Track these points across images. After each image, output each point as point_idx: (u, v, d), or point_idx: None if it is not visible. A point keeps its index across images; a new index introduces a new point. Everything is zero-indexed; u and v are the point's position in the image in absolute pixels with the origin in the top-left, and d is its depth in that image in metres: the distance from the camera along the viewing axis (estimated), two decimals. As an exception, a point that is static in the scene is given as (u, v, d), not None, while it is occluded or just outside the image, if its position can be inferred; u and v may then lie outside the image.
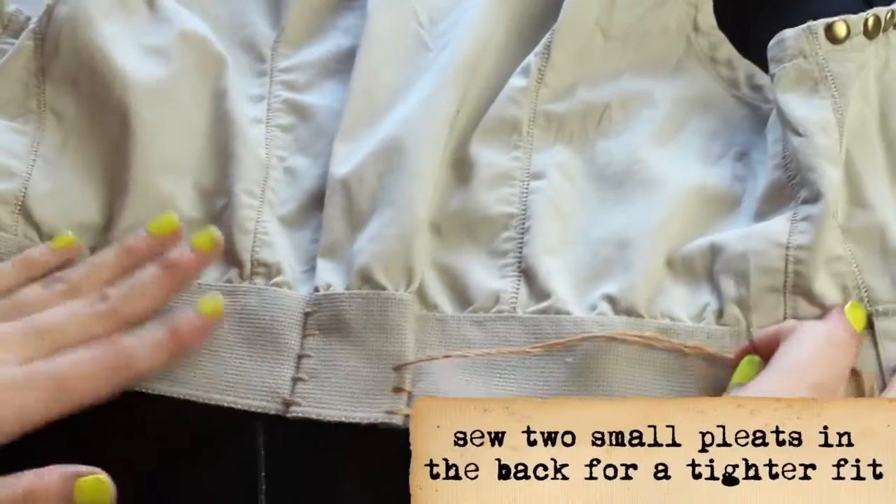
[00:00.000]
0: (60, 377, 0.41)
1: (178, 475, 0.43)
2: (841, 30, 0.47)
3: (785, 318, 0.44)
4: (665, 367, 0.44)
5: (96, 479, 0.40)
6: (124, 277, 0.45)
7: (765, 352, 0.42)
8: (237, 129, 0.50)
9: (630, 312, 0.45)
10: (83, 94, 0.51)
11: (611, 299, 0.45)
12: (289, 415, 0.44)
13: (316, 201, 0.50)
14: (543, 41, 0.52)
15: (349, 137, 0.50)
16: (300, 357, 0.45)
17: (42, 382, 0.40)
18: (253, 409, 0.44)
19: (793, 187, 0.46)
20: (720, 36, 0.53)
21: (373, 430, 0.43)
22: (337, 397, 0.44)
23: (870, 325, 0.44)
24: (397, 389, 0.44)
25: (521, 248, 0.47)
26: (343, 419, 0.43)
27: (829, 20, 0.47)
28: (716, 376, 0.44)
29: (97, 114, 0.50)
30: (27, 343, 0.42)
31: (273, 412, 0.44)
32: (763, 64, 0.51)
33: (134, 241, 0.46)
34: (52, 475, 0.40)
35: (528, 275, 0.47)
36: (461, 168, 0.50)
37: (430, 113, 0.49)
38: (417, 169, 0.48)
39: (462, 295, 0.47)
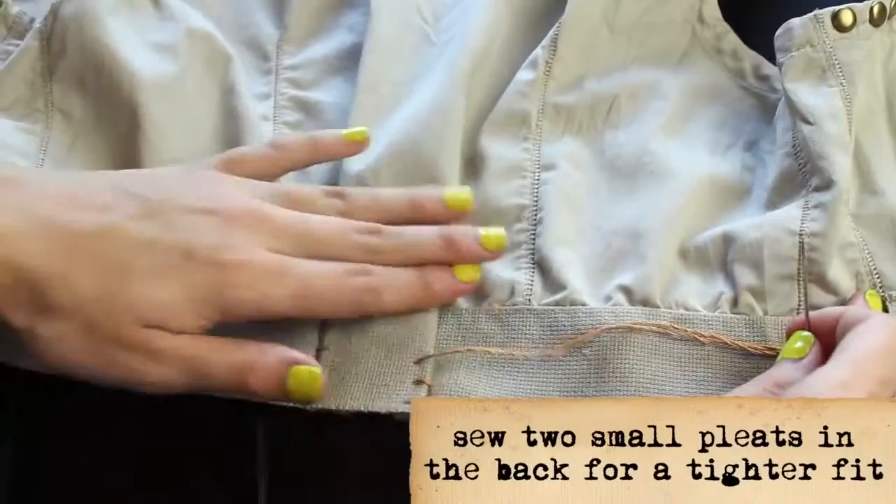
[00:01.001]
0: (308, 279, 0.41)
1: (180, 475, 0.43)
2: (847, 18, 0.47)
3: (799, 306, 0.44)
4: (682, 356, 0.44)
5: (310, 370, 0.41)
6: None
7: (821, 332, 0.41)
8: (247, 125, 0.50)
9: (645, 303, 0.45)
10: (91, 92, 0.51)
11: (626, 290, 0.45)
12: (308, 407, 0.44)
13: None
14: (550, 34, 0.51)
15: None
16: (319, 350, 0.45)
17: (291, 277, 0.41)
18: (271, 403, 0.44)
19: (803, 175, 0.46)
20: (725, 27, 0.53)
21: (373, 429, 0.43)
22: (356, 389, 0.44)
23: (884, 310, 0.44)
24: (418, 382, 0.44)
25: (534, 239, 0.47)
26: (362, 409, 0.43)
27: (836, 8, 0.47)
28: (733, 365, 0.43)
29: (105, 112, 0.51)
30: (289, 238, 0.42)
31: (292, 405, 0.44)
32: (765, 54, 0.51)
33: (427, 200, 0.46)
34: (272, 354, 0.41)
35: (542, 266, 0.47)
36: (472, 161, 0.50)
37: (443, 111, 0.49)
38: (434, 168, 0.48)
39: (477, 288, 0.47)
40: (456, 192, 0.47)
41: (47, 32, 0.51)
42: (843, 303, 0.44)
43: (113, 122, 0.50)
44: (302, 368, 0.41)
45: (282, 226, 0.42)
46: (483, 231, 0.45)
